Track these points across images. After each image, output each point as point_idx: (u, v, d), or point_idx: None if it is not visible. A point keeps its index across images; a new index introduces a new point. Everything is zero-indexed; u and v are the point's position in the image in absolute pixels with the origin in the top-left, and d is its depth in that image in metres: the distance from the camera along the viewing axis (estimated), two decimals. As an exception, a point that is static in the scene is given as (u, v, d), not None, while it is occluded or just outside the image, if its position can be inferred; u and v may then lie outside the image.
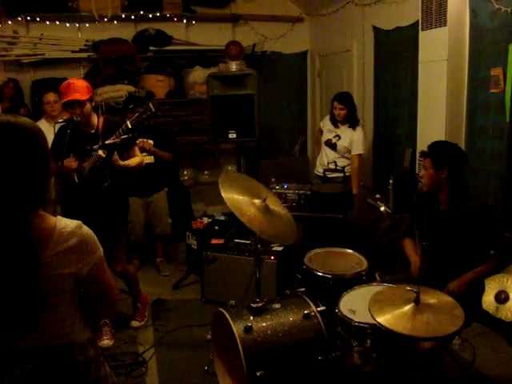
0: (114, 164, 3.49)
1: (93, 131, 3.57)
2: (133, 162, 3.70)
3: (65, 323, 1.61)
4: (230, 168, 6.89)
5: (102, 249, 1.64)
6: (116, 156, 3.47)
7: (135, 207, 5.01)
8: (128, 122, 3.42)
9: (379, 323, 2.19)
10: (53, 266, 1.49)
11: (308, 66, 7.11)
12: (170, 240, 5.64)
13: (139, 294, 4.20)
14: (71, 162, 3.49)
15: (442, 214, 3.08)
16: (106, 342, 3.74)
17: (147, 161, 5.01)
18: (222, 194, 2.87)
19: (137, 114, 3.46)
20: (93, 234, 1.61)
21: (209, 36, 6.45)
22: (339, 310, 2.73)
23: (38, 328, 1.52)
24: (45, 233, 1.50)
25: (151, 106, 3.46)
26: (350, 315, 2.66)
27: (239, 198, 2.95)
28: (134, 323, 4.11)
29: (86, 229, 1.59)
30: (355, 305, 2.74)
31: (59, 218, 1.58)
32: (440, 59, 4.03)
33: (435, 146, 3.08)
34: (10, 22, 5.83)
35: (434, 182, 3.04)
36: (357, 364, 2.70)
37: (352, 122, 4.97)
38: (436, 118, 4.15)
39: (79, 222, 1.59)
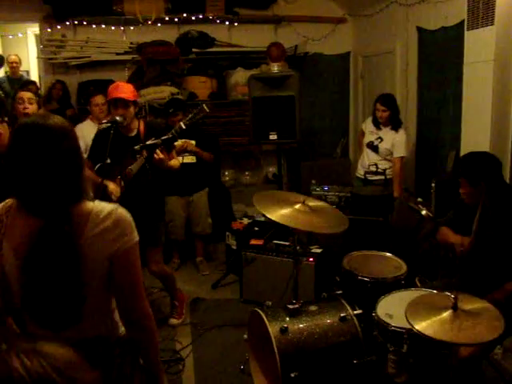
0: (161, 163, 3.53)
1: (133, 135, 3.64)
2: (173, 163, 3.75)
3: (101, 315, 1.66)
4: (270, 169, 6.90)
5: (137, 234, 1.65)
6: (162, 155, 3.49)
7: (176, 206, 5.09)
8: (181, 123, 3.47)
9: (416, 329, 2.16)
10: (91, 249, 1.54)
11: (350, 67, 7.06)
12: (210, 240, 5.70)
13: (176, 292, 4.25)
14: (116, 189, 3.55)
15: (485, 218, 3.00)
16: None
17: (189, 161, 5.09)
18: (269, 217, 2.88)
19: (191, 115, 3.51)
20: (129, 216, 1.64)
21: (251, 37, 6.49)
22: (376, 314, 2.70)
23: (81, 319, 1.56)
24: (83, 218, 1.55)
25: (205, 107, 3.52)
26: (387, 319, 2.63)
27: (283, 212, 2.94)
28: (172, 321, 4.17)
29: (121, 210, 1.63)
30: (393, 309, 2.71)
31: (97, 202, 1.63)
32: (486, 60, 3.93)
33: (465, 164, 3.01)
34: (58, 27, 6.02)
35: (476, 198, 2.97)
36: (392, 369, 2.66)
37: (394, 124, 4.90)
38: (481, 120, 4.05)
39: (116, 204, 1.63)
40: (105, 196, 3.50)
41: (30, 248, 1.50)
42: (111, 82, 4.72)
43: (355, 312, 2.85)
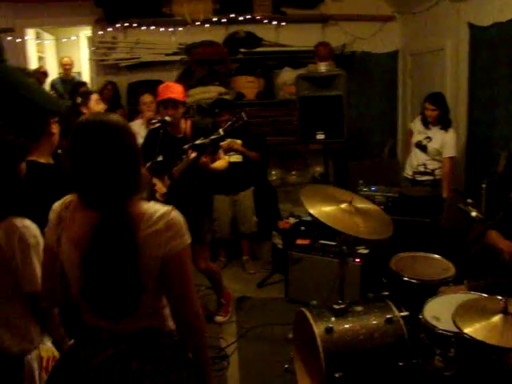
0: (204, 166, 3.58)
1: (181, 136, 3.71)
2: (220, 164, 3.80)
3: (153, 308, 1.70)
4: (317, 169, 6.87)
5: (189, 237, 1.68)
6: (205, 158, 3.56)
7: (222, 205, 5.15)
8: (220, 130, 3.51)
9: (464, 332, 2.12)
10: (144, 248, 1.58)
11: (399, 65, 6.95)
12: (257, 239, 5.73)
13: (223, 290, 4.31)
14: (161, 188, 3.62)
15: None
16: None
17: (235, 160, 5.15)
18: (310, 211, 2.90)
19: (230, 123, 3.54)
20: (181, 220, 1.67)
21: (298, 37, 6.48)
22: (423, 316, 2.66)
23: (135, 310, 1.61)
24: (137, 217, 1.60)
25: (244, 116, 3.54)
26: (433, 322, 2.59)
27: (327, 210, 2.95)
28: (218, 318, 4.23)
29: (175, 213, 1.66)
30: (440, 312, 2.66)
31: (152, 203, 1.69)
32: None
33: None
34: (110, 29, 6.18)
35: None
36: (438, 371, 2.62)
37: (444, 123, 4.81)
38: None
39: (170, 206, 1.67)
40: (151, 194, 3.58)
41: (90, 240, 1.56)
42: (160, 82, 4.80)
43: (401, 314, 2.82)
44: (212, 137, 3.35)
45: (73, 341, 1.83)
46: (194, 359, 1.78)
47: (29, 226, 1.99)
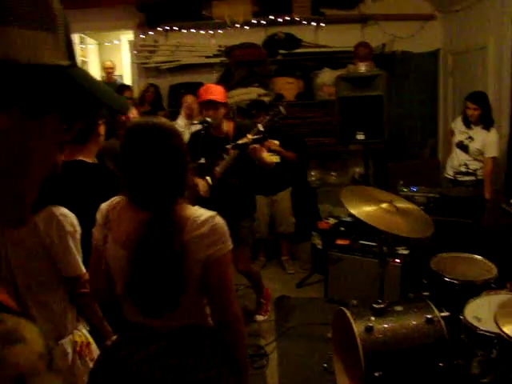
0: (254, 154, 3.55)
1: (223, 136, 3.76)
2: (269, 158, 3.84)
3: (194, 307, 1.75)
4: (357, 170, 6.85)
5: (231, 243, 1.73)
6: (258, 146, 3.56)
7: (260, 205, 5.19)
8: (259, 125, 3.54)
9: (505, 333, 2.11)
10: (187, 251, 1.63)
11: (440, 64, 6.86)
12: (296, 239, 5.76)
13: (262, 289, 4.35)
14: (204, 188, 3.68)
15: None
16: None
17: (274, 160, 5.19)
18: (351, 211, 2.92)
19: (268, 117, 3.58)
20: (225, 226, 1.72)
21: (337, 37, 6.46)
22: (464, 317, 2.65)
23: (176, 308, 1.66)
24: (182, 220, 1.66)
25: (282, 109, 3.57)
26: (475, 322, 2.57)
27: (367, 209, 2.96)
28: (258, 317, 4.28)
29: (219, 219, 1.71)
30: (481, 312, 2.64)
31: (197, 207, 1.74)
32: None
33: None
34: (151, 33, 6.31)
35: None
36: (477, 369, 2.60)
37: (486, 122, 4.74)
38: None
39: (215, 212, 1.72)
40: (193, 195, 3.64)
41: (139, 239, 1.63)
42: (201, 84, 4.89)
43: (442, 314, 2.80)
44: (255, 136, 3.38)
45: (115, 336, 1.90)
46: (232, 358, 1.82)
47: (66, 214, 2.08)
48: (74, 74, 0.60)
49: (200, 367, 1.73)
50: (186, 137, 4.07)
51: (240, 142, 3.42)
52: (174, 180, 1.67)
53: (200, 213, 1.70)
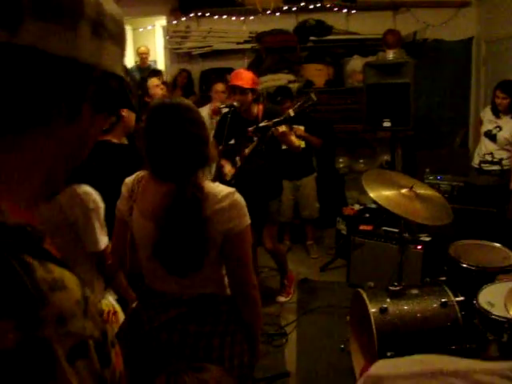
0: (283, 137, 3.63)
1: (252, 119, 3.85)
2: (297, 140, 3.94)
3: (213, 276, 1.87)
4: (385, 157, 6.85)
5: (249, 218, 1.83)
6: (285, 128, 3.59)
7: (284, 190, 5.27)
8: (290, 111, 3.61)
9: (513, 315, 2.16)
10: (208, 223, 1.74)
11: (473, 53, 6.77)
12: (321, 225, 5.82)
13: (286, 271, 4.44)
14: (230, 170, 3.78)
15: None
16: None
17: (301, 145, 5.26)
18: (371, 195, 2.99)
19: (299, 103, 3.63)
20: (243, 202, 1.82)
21: (369, 25, 6.43)
22: (477, 302, 2.69)
23: (201, 268, 1.78)
24: (203, 195, 1.76)
25: (313, 96, 3.61)
26: (488, 307, 2.61)
27: (386, 194, 3.02)
28: (280, 298, 4.39)
29: (238, 195, 1.82)
30: (495, 298, 2.67)
31: (217, 183, 1.87)
32: None
33: None
34: (184, 19, 6.41)
35: None
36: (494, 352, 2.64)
37: (515, 112, 4.72)
38: None
39: (233, 188, 1.82)
40: (220, 175, 3.75)
41: (164, 208, 1.75)
42: (231, 70, 4.97)
43: (457, 299, 2.86)
44: (275, 120, 3.46)
45: (136, 304, 2.03)
46: (247, 326, 1.93)
47: (88, 192, 2.19)
48: (125, 84, 0.75)
49: (216, 334, 1.85)
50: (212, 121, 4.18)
51: (261, 124, 3.50)
52: (193, 152, 1.77)
53: (220, 188, 1.81)
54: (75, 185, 2.16)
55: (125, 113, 2.76)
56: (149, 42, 8.77)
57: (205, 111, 5.04)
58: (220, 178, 3.69)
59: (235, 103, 3.77)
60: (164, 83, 5.35)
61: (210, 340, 1.83)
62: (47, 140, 0.65)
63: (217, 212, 1.75)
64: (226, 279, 1.93)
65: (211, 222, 1.75)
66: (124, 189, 1.93)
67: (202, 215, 1.73)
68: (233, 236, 1.78)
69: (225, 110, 3.93)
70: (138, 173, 1.93)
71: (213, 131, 4.03)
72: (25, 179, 0.64)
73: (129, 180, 1.93)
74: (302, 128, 5.22)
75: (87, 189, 2.19)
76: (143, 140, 1.80)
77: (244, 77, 3.84)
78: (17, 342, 0.50)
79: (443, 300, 2.83)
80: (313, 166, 5.49)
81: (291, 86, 5.99)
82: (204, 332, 1.83)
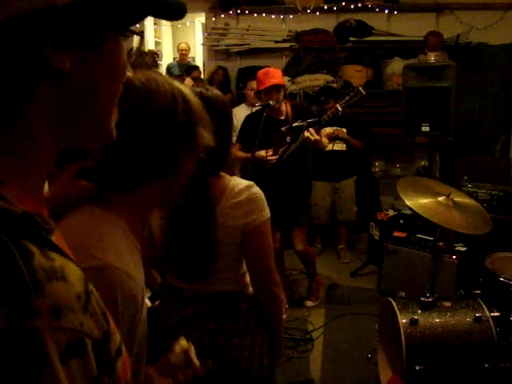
0: (315, 144, 3.58)
1: (283, 117, 3.78)
2: (323, 140, 3.85)
3: (233, 273, 1.81)
4: (422, 163, 6.69)
5: (269, 211, 1.76)
6: (317, 137, 3.56)
7: (322, 192, 5.19)
8: (338, 105, 3.54)
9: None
10: (225, 218, 1.69)
11: (518, 58, 6.55)
12: (354, 229, 5.72)
13: (315, 275, 4.37)
14: (265, 156, 3.69)
15: None
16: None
17: (339, 148, 5.18)
18: (407, 203, 2.89)
19: (347, 97, 3.57)
20: (262, 195, 1.76)
21: (411, 26, 6.28)
22: (514, 318, 2.57)
23: (210, 274, 1.73)
24: (219, 189, 1.71)
25: (362, 90, 3.53)
26: (525, 325, 2.50)
27: (423, 202, 2.92)
28: (308, 303, 4.31)
29: (256, 189, 1.75)
30: (534, 315, 2.56)
31: (234, 177, 1.79)
32: None
33: None
34: (222, 16, 6.38)
35: None
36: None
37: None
38: None
39: (251, 182, 1.76)
40: (258, 166, 3.60)
41: (172, 209, 1.69)
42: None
43: (492, 314, 2.73)
44: (309, 120, 3.40)
45: (158, 302, 1.98)
46: (268, 325, 1.87)
47: None
48: None
49: (235, 333, 1.79)
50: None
51: (295, 124, 3.44)
52: (216, 153, 1.71)
53: (238, 182, 1.75)
54: None
55: None
56: (188, 38, 8.80)
57: (241, 110, 4.99)
58: (258, 168, 3.54)
59: (271, 102, 3.70)
60: (198, 80, 5.32)
61: (229, 339, 1.78)
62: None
63: (234, 206, 1.70)
64: (247, 277, 1.87)
65: (229, 216, 1.69)
66: None
67: (209, 220, 1.67)
68: (251, 230, 1.72)
69: (255, 110, 3.86)
70: None
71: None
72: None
73: None
74: (344, 130, 5.15)
75: None
76: None
77: (277, 75, 3.79)
78: (2, 331, 0.45)
79: (477, 315, 2.70)
80: (353, 169, 5.40)
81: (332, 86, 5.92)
82: (223, 330, 1.78)
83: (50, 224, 0.56)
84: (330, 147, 5.09)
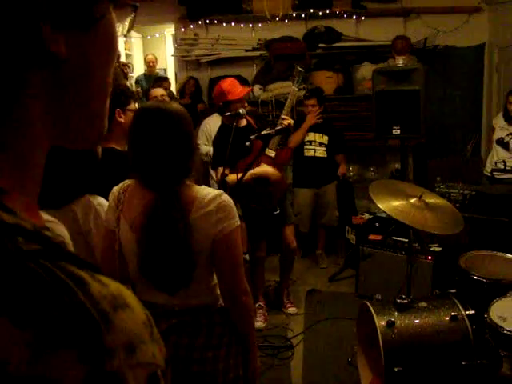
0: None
1: (244, 125, 3.80)
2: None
3: (204, 285, 1.80)
4: (396, 166, 6.75)
5: (238, 220, 1.77)
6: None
7: (304, 199, 5.20)
8: (294, 87, 3.78)
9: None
10: (196, 229, 1.68)
11: (485, 59, 6.66)
12: (332, 234, 5.73)
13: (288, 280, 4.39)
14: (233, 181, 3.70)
15: None
16: (259, 323, 3.97)
17: (320, 155, 5.21)
18: (379, 206, 2.92)
19: (296, 79, 3.84)
20: (232, 203, 1.76)
21: (379, 31, 6.36)
22: (488, 316, 2.59)
23: (190, 282, 1.71)
24: (189, 199, 1.71)
25: (298, 68, 3.94)
26: (499, 322, 2.52)
27: (396, 204, 2.94)
28: (290, 309, 4.30)
29: (225, 196, 1.76)
30: (507, 312, 2.58)
31: (203, 187, 1.80)
32: None
33: None
34: (192, 26, 6.38)
35: None
36: (508, 371, 2.54)
37: (528, 119, 4.62)
38: None
39: (221, 191, 1.77)
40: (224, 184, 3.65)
41: (145, 218, 1.69)
42: (240, 77, 4.90)
43: (467, 312, 2.75)
44: (278, 128, 3.44)
45: None
46: (240, 336, 1.86)
47: (103, 203, 2.13)
48: None
49: (209, 346, 1.78)
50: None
51: (263, 132, 3.45)
52: (180, 162, 1.72)
53: (207, 191, 1.75)
54: (90, 195, 2.10)
55: (122, 118, 2.69)
56: (159, 50, 8.77)
57: (213, 120, 4.98)
58: (224, 186, 3.61)
59: (241, 111, 3.70)
60: (167, 91, 5.29)
61: (204, 353, 1.77)
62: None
63: (204, 216, 1.70)
64: (218, 289, 1.86)
65: (199, 226, 1.69)
66: (111, 198, 1.86)
67: (186, 227, 1.67)
68: (221, 238, 1.72)
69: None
70: (125, 181, 1.87)
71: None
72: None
73: (115, 189, 1.86)
74: (325, 138, 5.18)
75: (102, 200, 2.13)
76: (128, 145, 1.76)
77: (238, 84, 3.82)
78: (82, 378, 0.38)
79: (453, 314, 2.73)
80: (334, 174, 5.41)
81: (300, 93, 5.93)
82: (197, 344, 1.77)
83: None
84: (311, 153, 5.13)
